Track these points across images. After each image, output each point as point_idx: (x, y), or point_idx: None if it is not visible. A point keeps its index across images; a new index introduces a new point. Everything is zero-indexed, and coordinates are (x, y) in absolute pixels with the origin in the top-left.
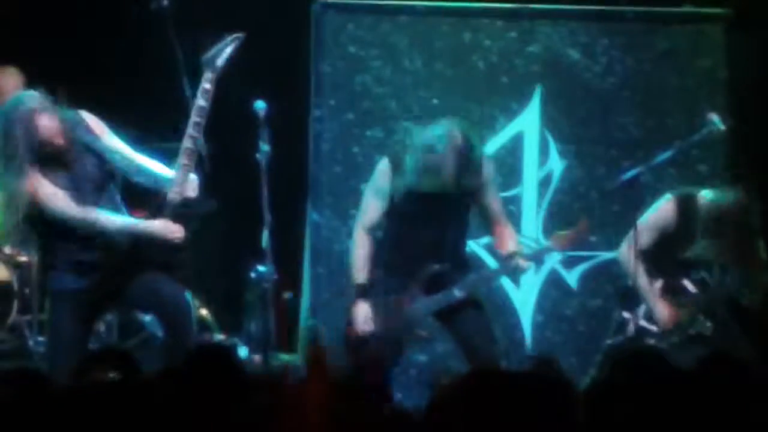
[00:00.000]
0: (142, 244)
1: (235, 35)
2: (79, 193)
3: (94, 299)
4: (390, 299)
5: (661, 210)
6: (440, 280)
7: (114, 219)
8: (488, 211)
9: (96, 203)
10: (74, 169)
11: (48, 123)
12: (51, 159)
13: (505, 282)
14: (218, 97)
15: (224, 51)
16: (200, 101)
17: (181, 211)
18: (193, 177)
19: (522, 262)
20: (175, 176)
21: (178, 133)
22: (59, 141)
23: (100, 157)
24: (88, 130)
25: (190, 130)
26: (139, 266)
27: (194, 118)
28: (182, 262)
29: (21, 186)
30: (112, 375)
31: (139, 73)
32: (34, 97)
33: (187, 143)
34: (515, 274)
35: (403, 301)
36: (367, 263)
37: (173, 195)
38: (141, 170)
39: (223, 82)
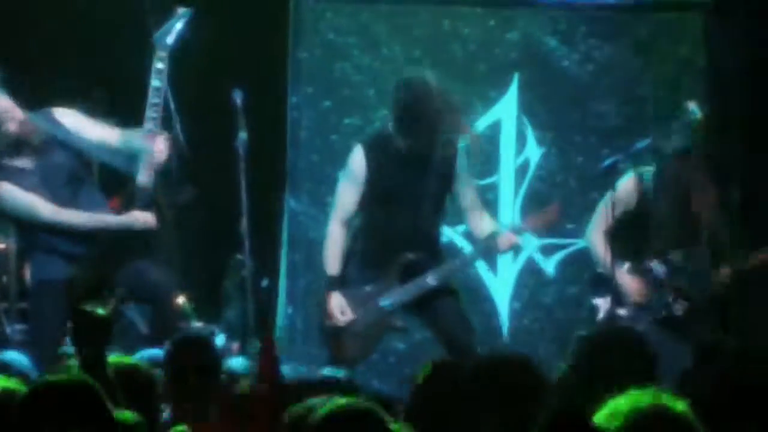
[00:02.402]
0: (119, 233)
1: (183, 10)
2: (49, 187)
3: (79, 291)
4: (364, 290)
5: (622, 187)
6: (415, 269)
7: (80, 215)
8: (463, 199)
9: (71, 197)
10: (42, 160)
11: (3, 102)
12: (11, 147)
13: (482, 270)
14: (196, 84)
15: (174, 28)
16: (155, 81)
17: (155, 196)
18: (160, 139)
19: (512, 237)
20: (142, 160)
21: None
22: (15, 122)
23: (74, 149)
24: (56, 122)
25: (149, 111)
26: (122, 255)
27: (152, 99)
28: (163, 244)
29: None
30: None
31: (115, 59)
32: None
33: (148, 125)
34: (508, 251)
35: (377, 292)
36: (341, 254)
37: (143, 179)
38: (112, 152)
39: (200, 69)
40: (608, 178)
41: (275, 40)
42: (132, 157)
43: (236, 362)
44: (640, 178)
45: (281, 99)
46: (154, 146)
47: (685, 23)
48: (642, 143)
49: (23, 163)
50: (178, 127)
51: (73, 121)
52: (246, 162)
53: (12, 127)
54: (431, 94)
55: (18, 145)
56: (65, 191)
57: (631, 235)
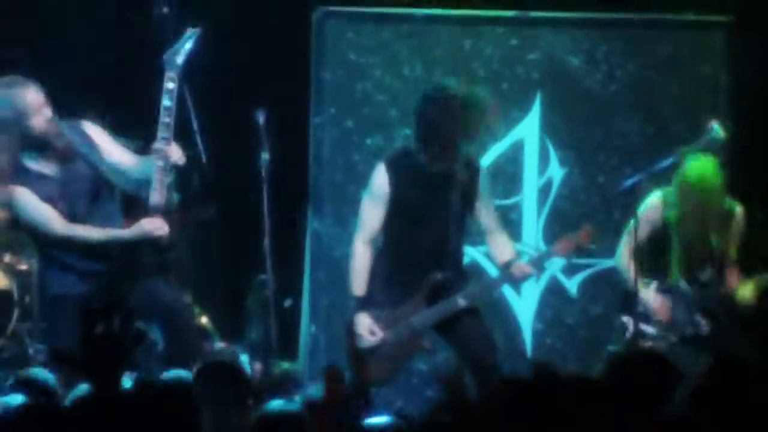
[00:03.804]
0: (134, 249)
1: (192, 31)
2: (69, 197)
3: (94, 306)
4: (393, 311)
5: (649, 206)
6: (442, 289)
7: (93, 231)
8: (484, 220)
9: (88, 208)
10: (65, 168)
11: (35, 96)
12: (34, 147)
13: (506, 290)
14: (218, 104)
15: (183, 48)
16: (165, 101)
17: (169, 215)
18: (174, 146)
19: (526, 268)
20: (153, 180)
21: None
22: (46, 116)
23: (95, 163)
24: (83, 134)
25: (160, 131)
26: (137, 273)
27: (163, 119)
28: (176, 262)
29: None
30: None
31: (139, 80)
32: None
33: (158, 145)
34: (519, 282)
35: (406, 312)
36: (367, 274)
37: (155, 199)
38: (126, 177)
39: (223, 89)
40: (631, 197)
41: (297, 60)
42: (145, 182)
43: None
44: (666, 197)
45: (303, 119)
46: (170, 153)
47: (708, 41)
48: (665, 162)
49: (46, 168)
50: (200, 146)
51: (98, 137)
52: (268, 182)
53: (38, 123)
54: (455, 108)
55: (41, 145)
56: (83, 202)
57: (658, 253)
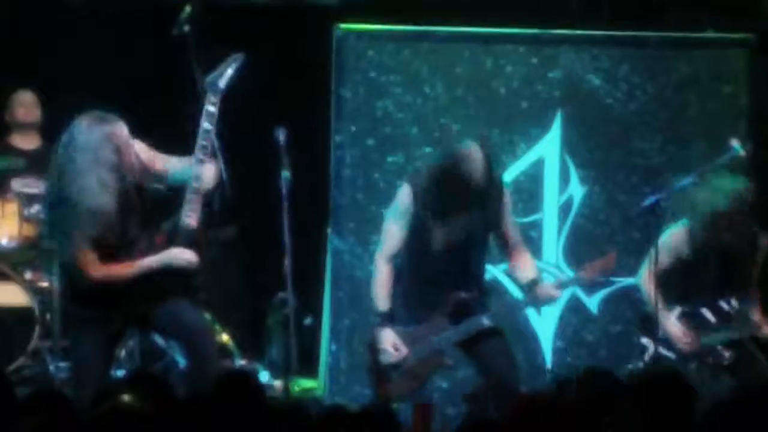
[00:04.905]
0: (160, 272)
1: (235, 56)
2: (125, 226)
3: (116, 324)
4: (416, 328)
5: (675, 235)
6: (465, 308)
7: (128, 268)
8: (506, 238)
9: (138, 234)
10: (123, 203)
11: (125, 133)
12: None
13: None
14: (239, 123)
15: (226, 72)
16: (205, 124)
17: (198, 236)
18: (209, 166)
19: (552, 291)
20: (186, 201)
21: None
22: (132, 153)
23: (146, 188)
24: (137, 159)
25: (197, 153)
26: (160, 293)
27: (201, 141)
28: (202, 285)
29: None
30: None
31: (160, 98)
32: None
33: (194, 167)
34: (544, 303)
35: (429, 331)
36: (389, 290)
37: (186, 220)
38: (165, 183)
39: (243, 108)
40: (651, 216)
41: (318, 78)
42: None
43: None
44: (691, 226)
45: (324, 137)
46: (205, 172)
47: (728, 60)
48: (684, 181)
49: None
50: (221, 165)
51: (146, 157)
52: (289, 200)
53: (127, 160)
54: (476, 173)
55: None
56: (135, 230)
57: (682, 281)
